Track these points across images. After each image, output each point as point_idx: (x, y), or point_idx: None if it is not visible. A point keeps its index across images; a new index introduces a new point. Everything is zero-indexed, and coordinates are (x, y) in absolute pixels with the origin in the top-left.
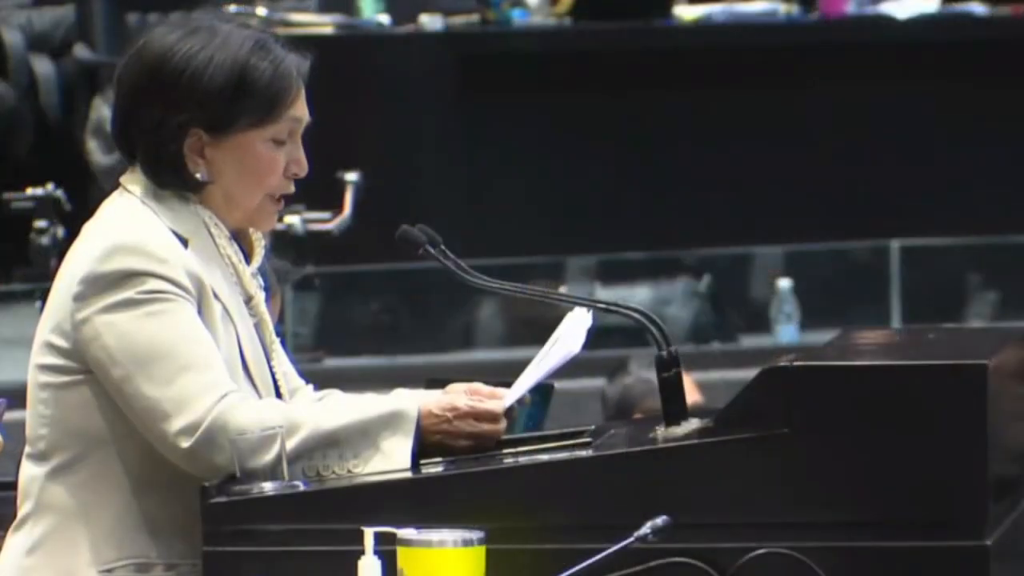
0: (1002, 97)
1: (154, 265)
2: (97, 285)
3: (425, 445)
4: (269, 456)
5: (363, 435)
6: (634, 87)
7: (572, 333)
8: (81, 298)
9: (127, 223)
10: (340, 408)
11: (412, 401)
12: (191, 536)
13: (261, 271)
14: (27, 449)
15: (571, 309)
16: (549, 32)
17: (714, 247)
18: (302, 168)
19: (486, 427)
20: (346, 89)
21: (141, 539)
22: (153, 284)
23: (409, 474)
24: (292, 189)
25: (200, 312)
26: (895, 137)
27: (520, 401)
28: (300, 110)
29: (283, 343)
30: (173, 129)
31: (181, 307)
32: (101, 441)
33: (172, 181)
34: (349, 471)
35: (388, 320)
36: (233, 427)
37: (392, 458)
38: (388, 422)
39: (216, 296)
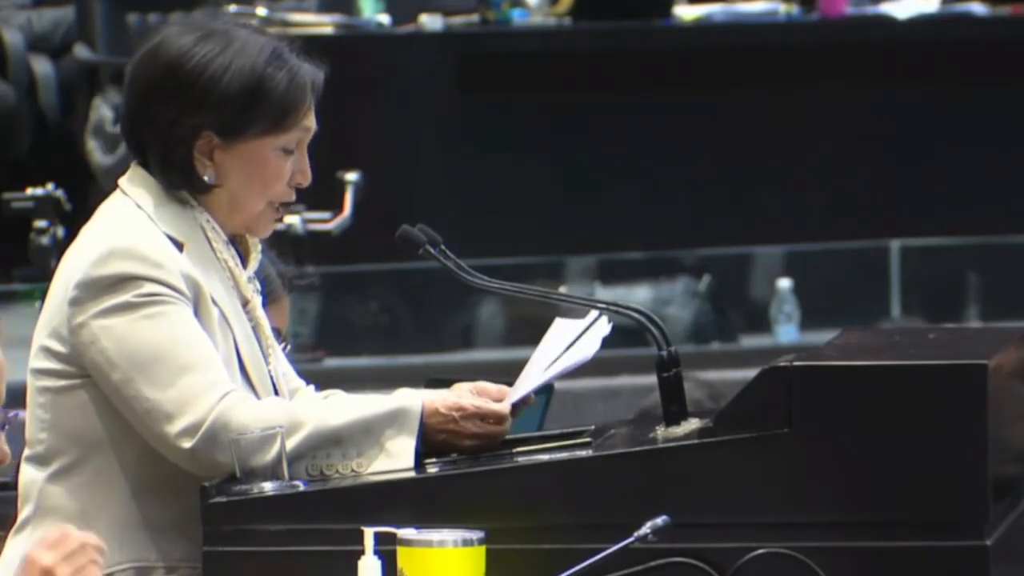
0: (1002, 97)
1: (150, 269)
2: (93, 289)
3: (430, 444)
4: (269, 456)
5: (367, 433)
6: (634, 87)
7: (589, 338)
8: (77, 303)
9: (122, 227)
10: (343, 406)
11: (416, 399)
12: (191, 538)
13: (259, 276)
14: (26, 452)
15: (571, 309)
16: (549, 32)
17: (714, 247)
18: (306, 178)
19: (492, 428)
20: (346, 89)
21: (141, 541)
22: (149, 288)
23: (409, 474)
24: (293, 198)
25: (197, 316)
26: (895, 137)
27: (525, 400)
28: (310, 121)
29: (292, 347)
30: (185, 130)
31: (178, 309)
32: (99, 444)
33: (179, 181)
34: (353, 469)
35: (388, 320)
36: (235, 426)
37: (396, 456)
38: (392, 420)
39: (214, 301)
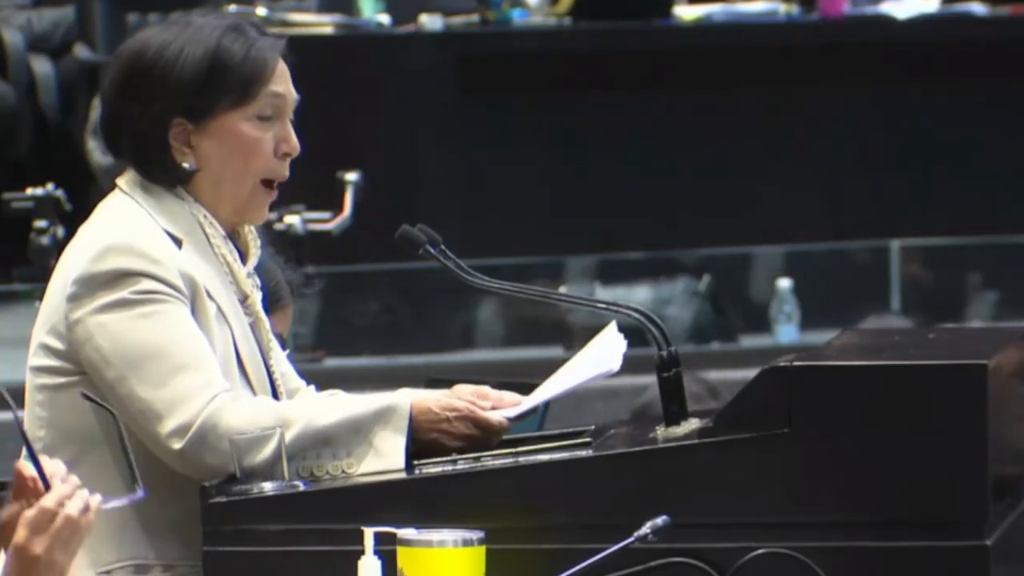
0: (1002, 97)
1: (147, 265)
2: (90, 285)
3: (420, 443)
4: (266, 454)
5: (356, 432)
6: (634, 87)
7: (608, 352)
8: (75, 299)
9: (120, 223)
10: (332, 406)
11: (405, 397)
12: (189, 537)
13: (259, 272)
14: (25, 451)
15: (571, 310)
16: (549, 32)
17: (714, 247)
18: (292, 147)
19: (483, 434)
20: (346, 89)
21: (139, 540)
22: (146, 284)
23: (409, 474)
24: (286, 173)
25: (194, 312)
26: (895, 137)
27: (528, 413)
28: (281, 85)
29: (289, 357)
30: (153, 120)
31: (174, 308)
32: (97, 442)
33: (160, 174)
34: (343, 471)
35: (388, 320)
36: (224, 428)
37: (386, 456)
38: (380, 418)
39: (210, 296)
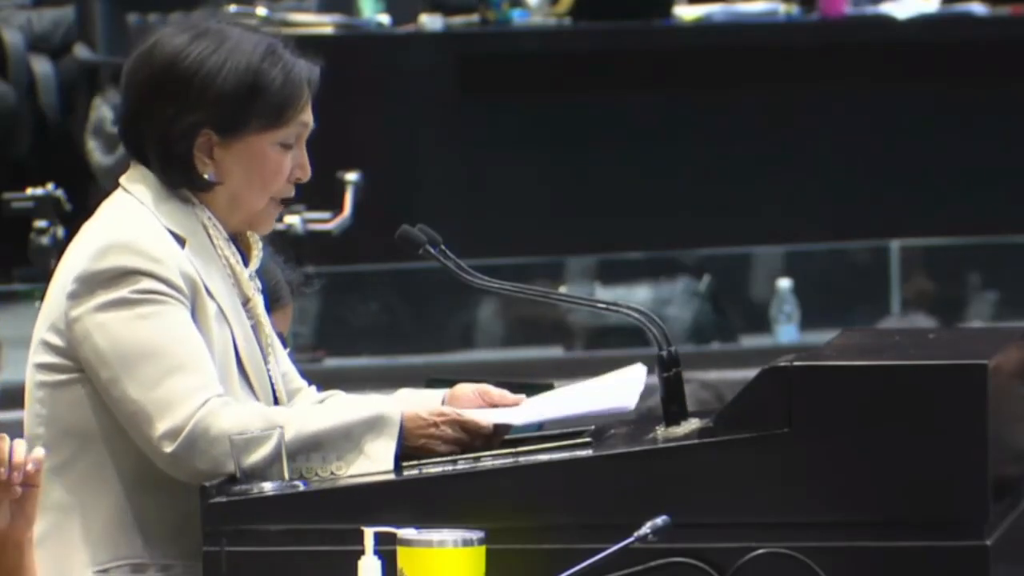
0: (1002, 97)
1: (148, 264)
2: (91, 283)
3: (410, 450)
4: (265, 453)
5: (346, 438)
6: (634, 87)
7: (626, 388)
8: (75, 296)
9: (123, 222)
10: (323, 411)
11: (395, 406)
12: (185, 537)
13: (260, 276)
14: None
15: (571, 310)
16: (549, 32)
17: (714, 247)
18: (306, 173)
19: (469, 438)
20: (346, 89)
21: (136, 540)
22: (146, 284)
23: (409, 474)
24: (293, 193)
25: (194, 312)
26: (895, 137)
27: (510, 426)
28: (307, 116)
29: (290, 356)
30: (184, 128)
31: (173, 309)
32: (95, 440)
33: (180, 180)
34: (332, 472)
35: (388, 320)
36: (215, 432)
37: (376, 460)
38: (372, 426)
39: (211, 295)
